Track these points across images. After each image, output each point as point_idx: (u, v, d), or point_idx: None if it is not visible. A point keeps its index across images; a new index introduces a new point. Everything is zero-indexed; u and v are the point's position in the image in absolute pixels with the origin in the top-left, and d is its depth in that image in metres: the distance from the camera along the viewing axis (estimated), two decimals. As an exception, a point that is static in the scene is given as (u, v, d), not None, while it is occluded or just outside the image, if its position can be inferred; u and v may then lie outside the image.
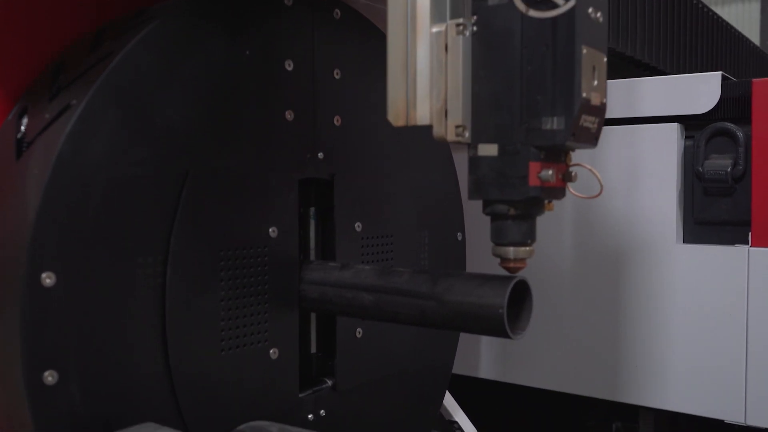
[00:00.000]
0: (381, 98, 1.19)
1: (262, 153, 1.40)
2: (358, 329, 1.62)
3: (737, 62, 3.40)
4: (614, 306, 1.95)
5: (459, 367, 2.19)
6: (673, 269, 1.87)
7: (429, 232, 1.81)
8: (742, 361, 1.78)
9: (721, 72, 1.82)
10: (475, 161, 1.16)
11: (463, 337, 2.15)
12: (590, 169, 1.22)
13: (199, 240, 1.28)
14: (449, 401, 2.09)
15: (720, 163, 1.81)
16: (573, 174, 1.18)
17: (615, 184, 1.94)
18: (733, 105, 1.81)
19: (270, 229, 1.41)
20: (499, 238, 1.19)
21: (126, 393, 1.17)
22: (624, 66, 2.34)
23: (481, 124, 1.15)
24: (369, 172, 1.65)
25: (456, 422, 2.06)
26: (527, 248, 1.19)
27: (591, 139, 1.14)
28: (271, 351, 1.42)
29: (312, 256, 1.58)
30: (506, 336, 1.21)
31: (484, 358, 2.19)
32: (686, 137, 1.89)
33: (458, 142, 1.16)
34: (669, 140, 1.87)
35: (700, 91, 1.84)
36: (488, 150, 1.15)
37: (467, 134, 1.16)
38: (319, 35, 1.51)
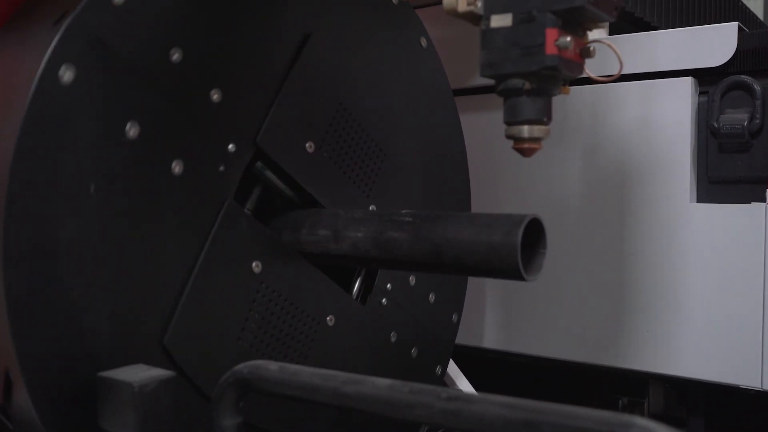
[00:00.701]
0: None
1: None
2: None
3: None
4: (625, 268, 1.88)
5: (462, 337, 2.12)
6: (686, 230, 1.80)
7: (434, 195, 1.74)
8: (759, 323, 1.71)
9: (737, 23, 1.75)
10: (487, 34, 1.09)
11: (467, 306, 2.09)
12: (609, 44, 1.15)
13: None
14: (453, 371, 2.02)
15: (736, 117, 1.74)
16: (591, 49, 1.12)
17: (626, 142, 1.87)
18: (750, 57, 1.74)
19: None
20: (513, 116, 1.12)
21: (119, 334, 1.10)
22: (623, 26, 2.27)
23: None
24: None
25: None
26: (543, 127, 1.12)
27: (610, 7, 1.08)
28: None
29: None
30: (520, 277, 1.14)
31: (488, 326, 2.12)
32: (700, 93, 1.83)
33: (470, 14, 1.09)
34: (682, 95, 1.80)
35: (714, 43, 1.77)
36: (502, 20, 1.08)
37: (479, 4, 1.09)
38: None
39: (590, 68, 1.15)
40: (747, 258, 1.72)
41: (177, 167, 1.18)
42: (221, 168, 1.25)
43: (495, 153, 1.99)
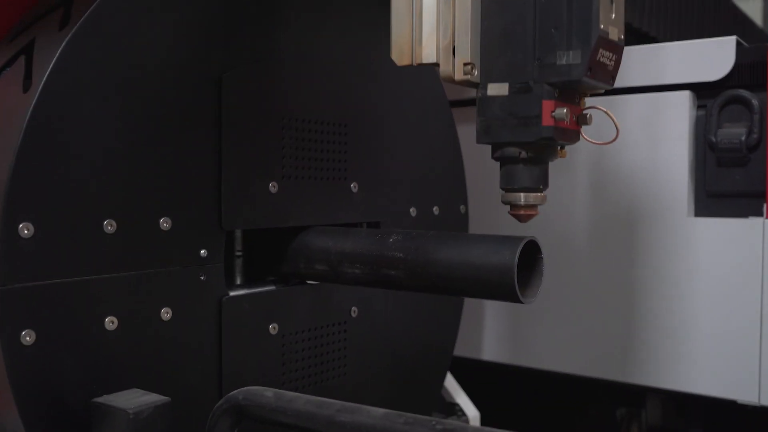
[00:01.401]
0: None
1: None
2: (353, 308, 1.54)
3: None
4: (623, 282, 1.88)
5: (461, 350, 2.12)
6: (684, 244, 1.79)
7: (432, 204, 1.73)
8: (757, 338, 1.71)
9: (735, 37, 1.75)
10: (484, 102, 1.10)
11: (466, 318, 2.08)
12: (606, 112, 1.15)
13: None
14: (451, 383, 2.02)
15: (734, 132, 1.74)
16: (588, 116, 1.12)
17: (625, 156, 1.87)
18: (748, 71, 1.74)
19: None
20: (509, 183, 1.13)
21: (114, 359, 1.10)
22: (630, 40, 2.27)
23: (491, 62, 1.09)
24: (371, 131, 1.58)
25: (458, 404, 1.99)
26: (539, 194, 1.13)
27: (608, 77, 1.08)
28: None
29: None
30: (516, 300, 1.14)
31: (487, 339, 2.11)
32: (698, 106, 1.82)
33: (467, 82, 1.09)
34: (680, 109, 1.80)
35: (713, 57, 1.76)
36: (499, 89, 1.08)
37: (476, 73, 1.09)
38: None
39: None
40: (745, 272, 1.72)
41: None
42: (202, 277, 1.24)
43: (493, 164, 1.98)
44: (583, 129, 1.14)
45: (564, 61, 1.02)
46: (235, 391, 1.02)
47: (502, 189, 1.15)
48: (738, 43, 1.75)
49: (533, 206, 1.14)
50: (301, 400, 0.95)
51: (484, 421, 2.03)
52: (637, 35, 2.30)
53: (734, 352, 1.73)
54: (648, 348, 1.85)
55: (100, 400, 1.03)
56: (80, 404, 1.05)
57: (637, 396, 2.14)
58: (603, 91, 1.13)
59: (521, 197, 1.12)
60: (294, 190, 1.39)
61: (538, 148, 1.10)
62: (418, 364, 1.72)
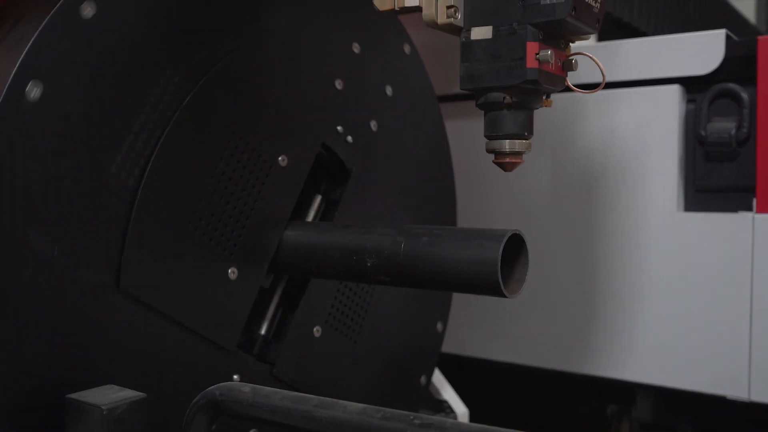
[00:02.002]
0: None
1: None
2: (317, 328, 1.50)
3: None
4: (612, 278, 1.86)
5: (450, 346, 2.10)
6: (674, 239, 1.78)
7: (419, 198, 1.72)
8: (747, 334, 1.70)
9: (725, 30, 1.73)
10: (467, 46, 1.07)
11: (455, 314, 2.06)
12: (591, 57, 1.12)
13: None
14: (439, 380, 2.00)
15: (723, 126, 1.72)
16: (573, 62, 1.10)
17: (613, 150, 1.85)
18: (738, 65, 1.72)
19: (280, 157, 1.32)
20: (493, 130, 1.10)
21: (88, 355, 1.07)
22: (620, 35, 2.26)
23: (475, 4, 1.06)
24: (381, 166, 1.57)
25: (446, 401, 1.97)
26: (524, 141, 1.10)
27: (593, 19, 1.06)
28: (229, 270, 1.29)
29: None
30: (500, 294, 1.12)
31: (477, 335, 2.10)
32: (688, 101, 1.81)
33: (450, 26, 1.07)
34: (669, 103, 1.78)
35: (702, 50, 1.75)
36: (482, 33, 1.06)
37: (459, 16, 1.07)
38: None
39: (576, 75, 1.14)
40: (735, 267, 1.70)
41: None
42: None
43: (481, 159, 1.96)
44: (569, 76, 1.12)
45: (548, 0, 1.00)
46: (213, 386, 1.00)
47: (486, 137, 1.12)
48: (727, 37, 1.73)
49: (519, 153, 1.11)
50: (278, 396, 0.94)
51: (474, 418, 2.02)
52: (627, 30, 2.29)
53: (724, 347, 1.72)
54: (637, 344, 1.84)
55: (73, 396, 1.00)
56: (55, 400, 1.03)
57: (628, 393, 2.12)
58: (589, 37, 1.10)
59: (506, 144, 1.10)
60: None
61: (522, 92, 1.07)
62: (405, 360, 1.70)
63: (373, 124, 1.53)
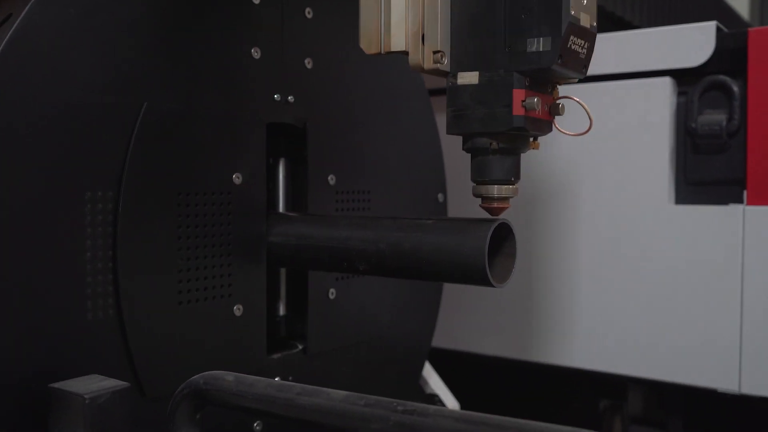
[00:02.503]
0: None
1: (225, 91, 1.30)
2: (331, 290, 1.51)
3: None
4: (604, 272, 1.86)
5: (443, 341, 2.10)
6: (666, 232, 1.78)
7: (408, 191, 1.71)
8: (737, 326, 1.69)
9: (715, 22, 1.73)
10: (454, 91, 1.07)
11: (447, 309, 2.06)
12: (579, 102, 1.12)
13: (155, 179, 1.18)
14: (431, 374, 2.00)
15: (714, 118, 1.72)
16: (560, 106, 1.09)
17: (604, 143, 1.85)
18: (728, 57, 1.72)
19: (234, 176, 1.31)
20: (480, 176, 1.10)
21: (71, 341, 1.07)
22: (605, 25, 2.25)
23: (461, 50, 1.06)
24: (344, 122, 1.55)
25: (437, 395, 1.96)
26: (511, 186, 1.10)
27: (579, 66, 1.05)
28: (235, 307, 1.31)
29: (281, 209, 1.48)
30: (488, 283, 1.11)
31: (470, 330, 2.09)
32: (679, 93, 1.80)
33: (436, 71, 1.07)
34: (661, 95, 1.78)
35: (693, 43, 1.75)
36: (468, 78, 1.05)
37: (446, 61, 1.06)
38: None
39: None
40: (726, 260, 1.70)
41: None
42: None
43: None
44: (558, 119, 1.12)
45: (534, 49, 1.00)
46: (197, 375, 1.00)
47: (474, 181, 1.12)
48: (718, 29, 1.73)
49: (505, 199, 1.11)
50: (262, 384, 0.93)
51: (465, 412, 2.01)
52: (620, 24, 2.29)
53: (714, 340, 1.72)
54: (628, 337, 1.84)
55: (56, 385, 1.00)
56: (38, 390, 1.02)
57: (620, 388, 2.12)
58: (576, 80, 1.10)
59: (493, 189, 1.10)
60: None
61: (509, 138, 1.07)
62: (395, 352, 1.70)
63: (308, 63, 1.47)
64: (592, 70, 1.83)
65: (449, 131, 1.09)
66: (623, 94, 1.82)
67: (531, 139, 1.13)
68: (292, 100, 1.42)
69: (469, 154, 1.12)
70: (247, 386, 0.94)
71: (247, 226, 1.33)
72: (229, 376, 0.97)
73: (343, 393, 0.86)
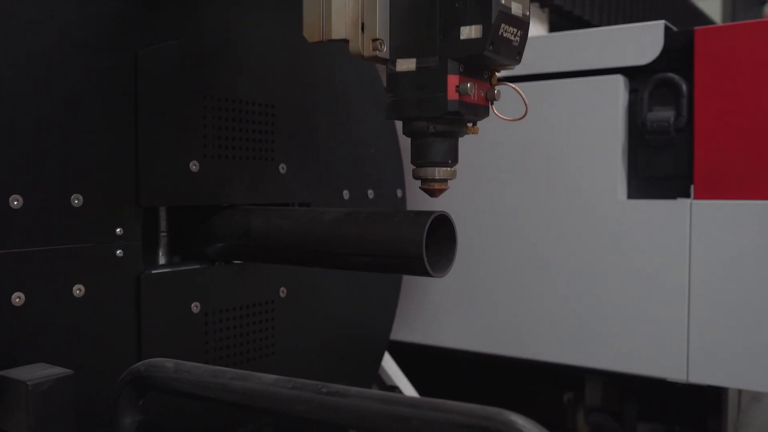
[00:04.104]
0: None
1: None
2: (282, 288, 1.54)
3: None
4: (557, 265, 1.90)
5: (401, 333, 2.13)
6: (617, 226, 1.82)
7: (366, 187, 1.74)
8: (685, 317, 1.74)
9: (663, 21, 1.78)
10: (392, 78, 1.11)
11: (409, 302, 2.10)
12: (514, 88, 1.16)
13: None
14: (391, 367, 2.03)
15: (663, 114, 1.77)
16: (497, 92, 1.13)
17: (558, 140, 1.89)
18: (676, 55, 1.77)
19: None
20: (419, 158, 1.14)
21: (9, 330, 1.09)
22: (565, 24, 2.30)
23: (400, 38, 1.10)
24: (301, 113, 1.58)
25: (397, 388, 2.00)
26: (449, 169, 1.14)
27: (513, 53, 1.09)
28: (192, 305, 1.35)
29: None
30: (427, 274, 1.15)
31: (427, 322, 2.13)
32: (631, 90, 1.85)
33: (375, 58, 1.11)
34: (613, 93, 1.82)
35: (642, 41, 1.79)
36: (406, 65, 1.09)
37: (385, 48, 1.10)
38: None
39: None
40: (673, 253, 1.75)
41: None
42: (119, 253, 1.24)
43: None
44: (498, 106, 1.16)
45: (466, 36, 1.04)
46: (139, 362, 1.03)
47: (413, 164, 1.16)
48: (666, 28, 1.77)
49: (444, 181, 1.15)
50: (199, 370, 0.96)
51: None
52: (580, 24, 2.33)
53: (663, 331, 1.77)
54: (584, 329, 1.88)
55: (1, 373, 1.02)
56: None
57: (578, 379, 2.17)
58: (513, 67, 1.14)
59: (431, 172, 1.13)
60: (217, 169, 1.39)
61: (446, 122, 1.11)
62: (353, 345, 1.73)
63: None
64: (547, 67, 1.90)
65: (388, 116, 1.13)
66: (577, 91, 1.87)
67: (470, 125, 1.16)
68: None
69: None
70: (184, 372, 0.97)
71: None
72: (168, 363, 0.99)
73: (273, 377, 0.89)
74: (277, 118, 1.51)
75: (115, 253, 1.23)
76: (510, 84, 1.17)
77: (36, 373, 1.02)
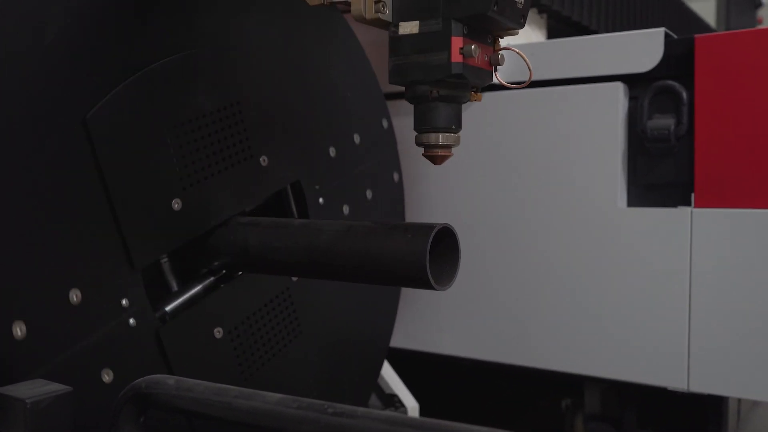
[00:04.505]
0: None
1: None
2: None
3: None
4: (558, 273, 1.89)
5: (400, 341, 2.12)
6: (617, 234, 1.81)
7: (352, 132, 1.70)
8: (685, 326, 1.74)
9: (663, 28, 1.77)
10: (395, 41, 1.09)
11: (409, 310, 2.09)
12: (518, 52, 1.15)
13: None
14: (390, 375, 2.02)
15: (663, 122, 1.76)
16: (500, 57, 1.12)
17: (558, 147, 1.89)
18: (677, 63, 1.76)
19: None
20: (422, 124, 1.12)
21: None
22: (564, 29, 2.29)
23: (402, 0, 1.08)
24: (284, 102, 1.53)
25: (396, 395, 1.99)
26: (453, 135, 1.12)
27: (517, 15, 1.08)
28: None
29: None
30: (430, 287, 1.14)
31: (426, 329, 2.12)
32: (630, 98, 1.84)
33: (378, 21, 1.08)
34: (613, 100, 1.82)
35: (642, 48, 1.79)
36: (409, 27, 1.07)
37: (387, 11, 1.08)
38: None
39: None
40: (674, 261, 1.74)
41: None
42: (131, 322, 1.20)
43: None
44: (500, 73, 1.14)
45: None
46: (139, 379, 1.01)
47: (416, 131, 1.14)
48: (666, 35, 1.77)
49: (448, 147, 1.13)
50: (201, 387, 0.94)
51: (424, 412, 2.04)
52: (579, 29, 2.32)
53: (664, 340, 1.76)
54: (583, 337, 1.87)
55: (-1, 390, 1.00)
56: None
57: (577, 386, 2.16)
58: (517, 31, 1.12)
59: (435, 137, 1.11)
60: (200, 195, 1.32)
61: (449, 86, 1.09)
62: (353, 352, 1.72)
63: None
64: (547, 74, 1.88)
65: (391, 81, 1.11)
66: (576, 98, 1.86)
67: (473, 91, 1.15)
68: None
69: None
70: (186, 390, 0.95)
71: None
72: (170, 380, 0.98)
73: (277, 396, 0.88)
74: (244, 113, 1.42)
75: (128, 323, 1.19)
76: (513, 48, 1.16)
77: (34, 390, 1.00)
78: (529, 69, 1.15)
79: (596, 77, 1.84)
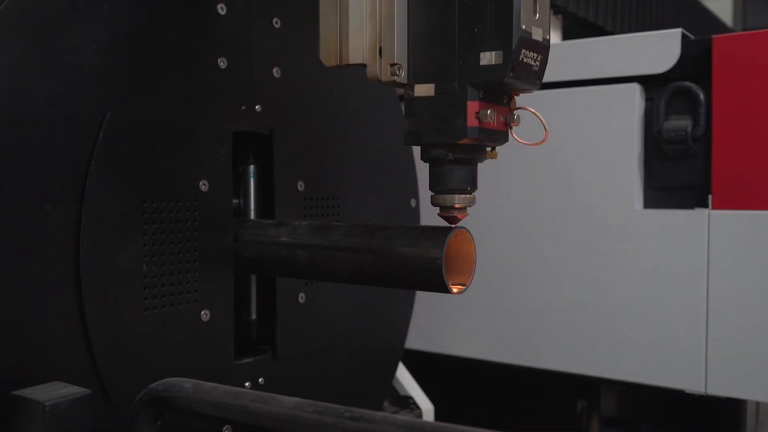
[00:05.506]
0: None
1: (191, 100, 1.31)
2: (301, 294, 1.53)
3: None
4: (573, 275, 1.88)
5: (416, 342, 2.12)
6: (633, 236, 1.80)
7: (380, 196, 1.73)
8: (703, 328, 1.72)
9: (680, 29, 1.76)
10: (411, 103, 1.09)
11: (423, 311, 2.08)
12: (534, 113, 1.14)
13: (118, 189, 1.19)
14: (405, 376, 2.02)
15: (680, 123, 1.75)
16: (516, 117, 1.11)
17: (573, 148, 1.88)
18: (694, 64, 1.75)
19: (201, 183, 1.33)
20: (438, 185, 1.12)
21: (36, 352, 1.08)
22: (579, 30, 2.28)
23: (418, 63, 1.08)
24: (312, 129, 1.56)
25: (411, 397, 1.99)
26: (468, 196, 1.12)
27: (533, 78, 1.07)
28: (202, 312, 1.33)
29: (252, 216, 1.50)
30: (444, 290, 1.14)
31: (442, 331, 2.11)
32: (647, 99, 1.83)
33: (393, 83, 1.09)
34: (629, 101, 1.81)
35: (659, 49, 1.77)
36: (425, 90, 1.07)
37: (403, 74, 1.08)
38: None
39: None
40: (691, 263, 1.73)
41: None
42: None
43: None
44: (525, 127, 1.14)
45: (486, 62, 1.01)
46: (156, 383, 1.02)
47: (432, 191, 1.14)
48: (683, 36, 1.76)
49: (463, 208, 1.13)
50: (218, 391, 0.95)
51: (439, 414, 2.04)
52: (595, 30, 2.31)
53: (681, 342, 1.75)
54: (599, 339, 1.86)
55: (18, 392, 1.01)
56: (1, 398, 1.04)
57: (594, 388, 2.15)
58: (532, 91, 1.12)
59: (450, 199, 1.11)
60: None
61: (465, 149, 1.09)
62: (368, 355, 1.72)
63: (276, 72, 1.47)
64: (563, 76, 1.88)
65: (406, 142, 1.11)
66: (592, 99, 1.85)
67: (488, 149, 1.15)
68: (260, 109, 1.44)
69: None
70: (204, 393, 0.96)
71: (213, 232, 1.35)
72: (187, 384, 0.98)
73: (294, 400, 0.88)
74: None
75: None
76: (529, 109, 1.15)
77: (53, 392, 1.01)
78: (545, 127, 1.13)
79: (612, 78, 1.83)
